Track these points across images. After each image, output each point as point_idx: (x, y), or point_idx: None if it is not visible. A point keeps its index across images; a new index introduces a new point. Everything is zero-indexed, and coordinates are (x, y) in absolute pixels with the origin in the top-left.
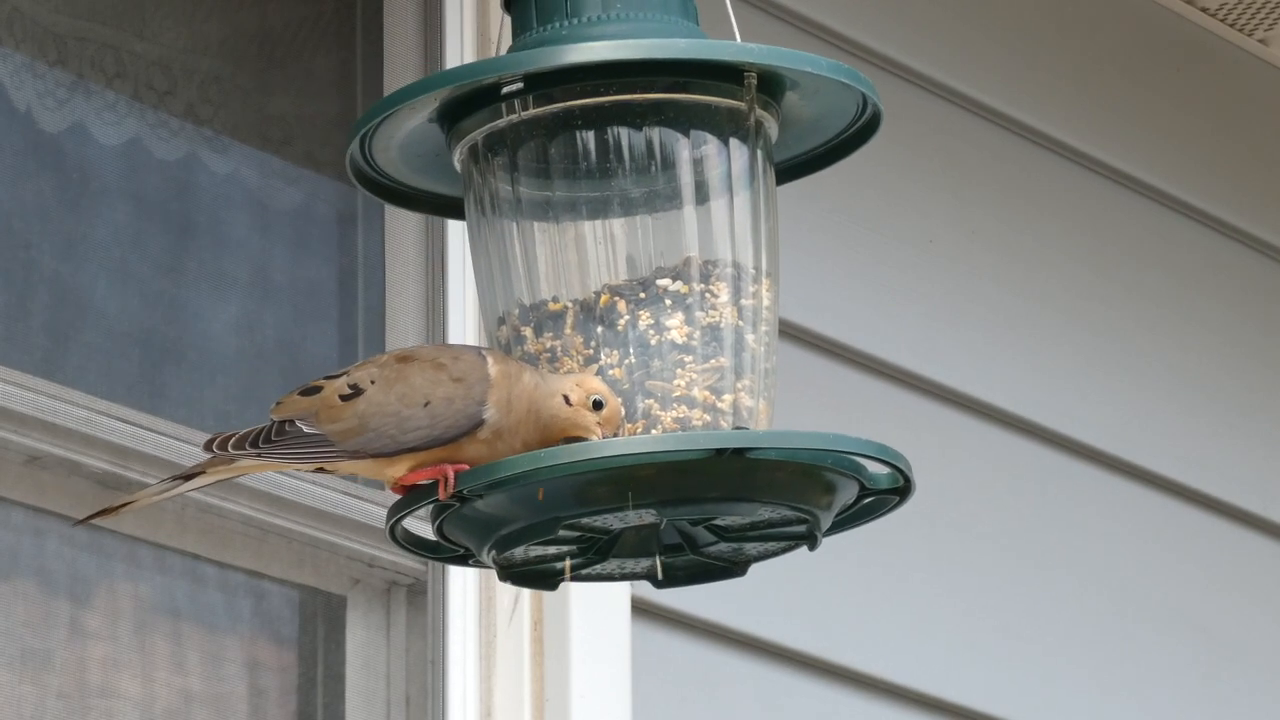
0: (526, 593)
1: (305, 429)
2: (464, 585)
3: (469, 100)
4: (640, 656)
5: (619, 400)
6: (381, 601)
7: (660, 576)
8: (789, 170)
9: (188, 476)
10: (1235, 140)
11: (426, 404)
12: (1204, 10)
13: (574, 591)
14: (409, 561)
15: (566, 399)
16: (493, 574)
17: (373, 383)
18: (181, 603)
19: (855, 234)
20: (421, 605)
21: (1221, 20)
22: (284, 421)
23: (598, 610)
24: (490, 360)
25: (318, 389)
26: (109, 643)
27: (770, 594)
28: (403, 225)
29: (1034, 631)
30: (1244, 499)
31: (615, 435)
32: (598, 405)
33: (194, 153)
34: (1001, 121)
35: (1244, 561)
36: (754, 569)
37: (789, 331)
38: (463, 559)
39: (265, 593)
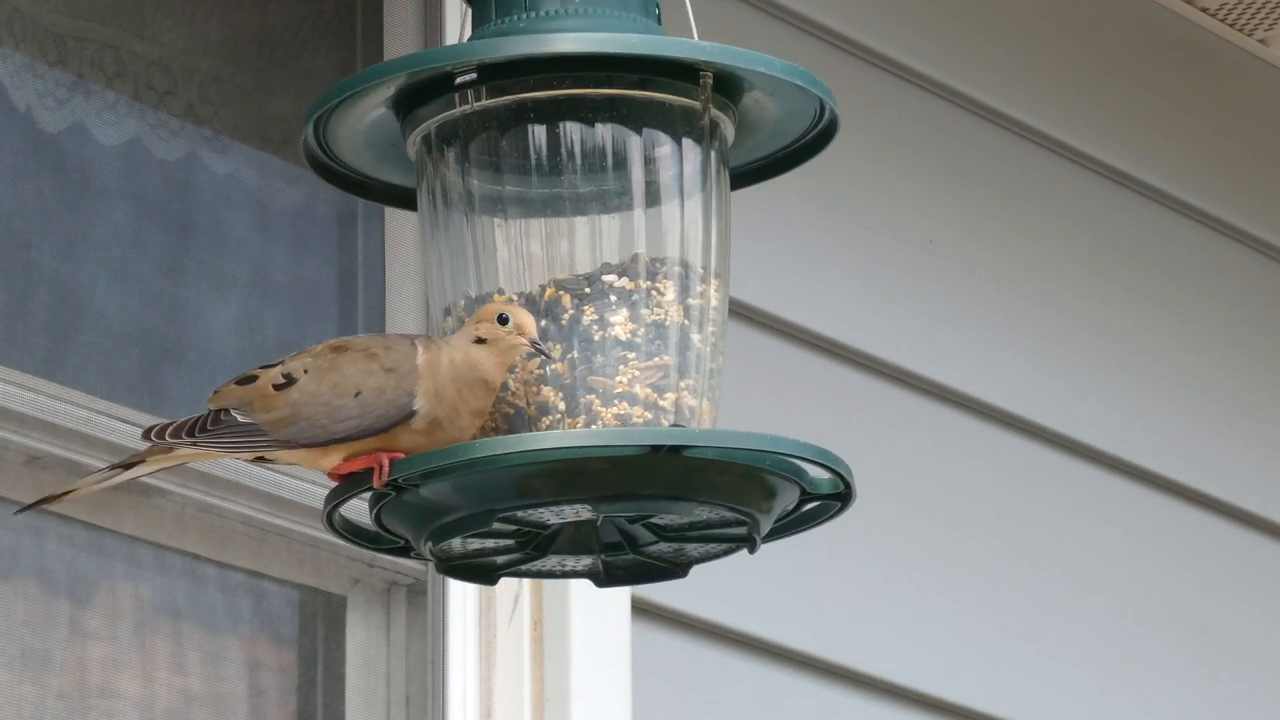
0: (526, 593)
1: (240, 418)
2: (464, 585)
3: (424, 89)
4: (640, 656)
5: (524, 309)
6: (381, 601)
7: (602, 575)
8: (749, 174)
9: (128, 465)
10: (1235, 140)
11: (357, 394)
12: (1204, 10)
13: (574, 591)
14: (409, 561)
15: (480, 340)
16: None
17: (306, 372)
18: (181, 603)
19: (855, 234)
20: (421, 605)
21: (1221, 20)
22: (220, 410)
23: (598, 610)
24: (420, 349)
25: (254, 378)
26: (109, 643)
27: (770, 594)
28: (403, 225)
29: (1034, 631)
30: (1244, 499)
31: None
32: (503, 320)
33: (194, 153)
34: (1001, 121)
35: (1244, 561)
36: (753, 568)
37: (789, 331)
38: (403, 550)
39: (265, 593)
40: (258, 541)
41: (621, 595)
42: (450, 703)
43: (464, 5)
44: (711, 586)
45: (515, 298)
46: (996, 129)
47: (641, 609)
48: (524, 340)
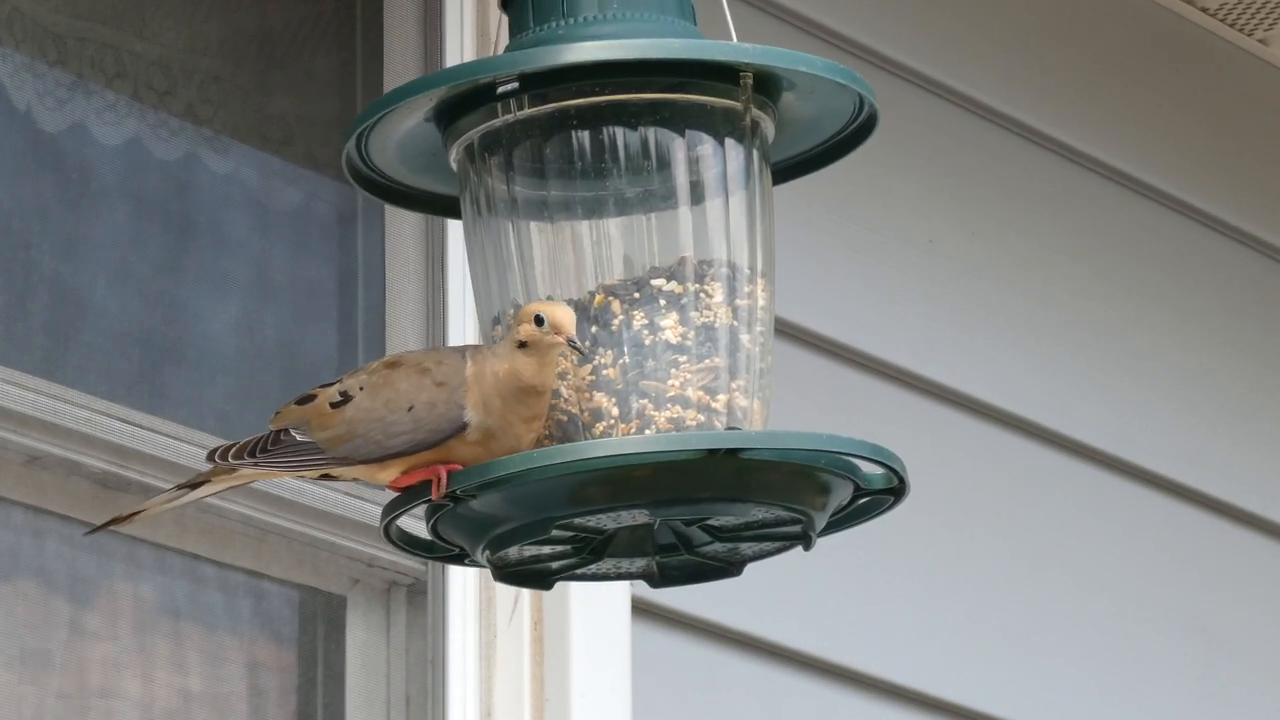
0: (526, 593)
1: (298, 437)
2: (464, 585)
3: (465, 100)
4: (640, 656)
5: (564, 306)
6: (381, 601)
7: (657, 576)
8: (786, 170)
9: (194, 485)
10: (1235, 140)
11: (410, 409)
12: (1204, 10)
13: (574, 591)
14: (409, 561)
15: (521, 346)
16: (491, 573)
17: (361, 389)
18: (181, 603)
19: (855, 234)
20: (421, 605)
21: (1221, 20)
22: (280, 430)
23: (598, 610)
24: (470, 361)
25: (312, 397)
26: (109, 643)
27: (770, 594)
28: (403, 225)
29: (1034, 631)
30: (1244, 499)
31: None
32: (539, 321)
33: (194, 153)
34: (1001, 121)
35: (1244, 561)
36: (752, 568)
37: (789, 331)
38: (458, 558)
39: (265, 593)
40: (258, 541)
41: (621, 595)
42: (450, 703)
43: (471, 8)
44: (711, 586)
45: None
46: (996, 129)
47: (641, 609)
48: (560, 339)
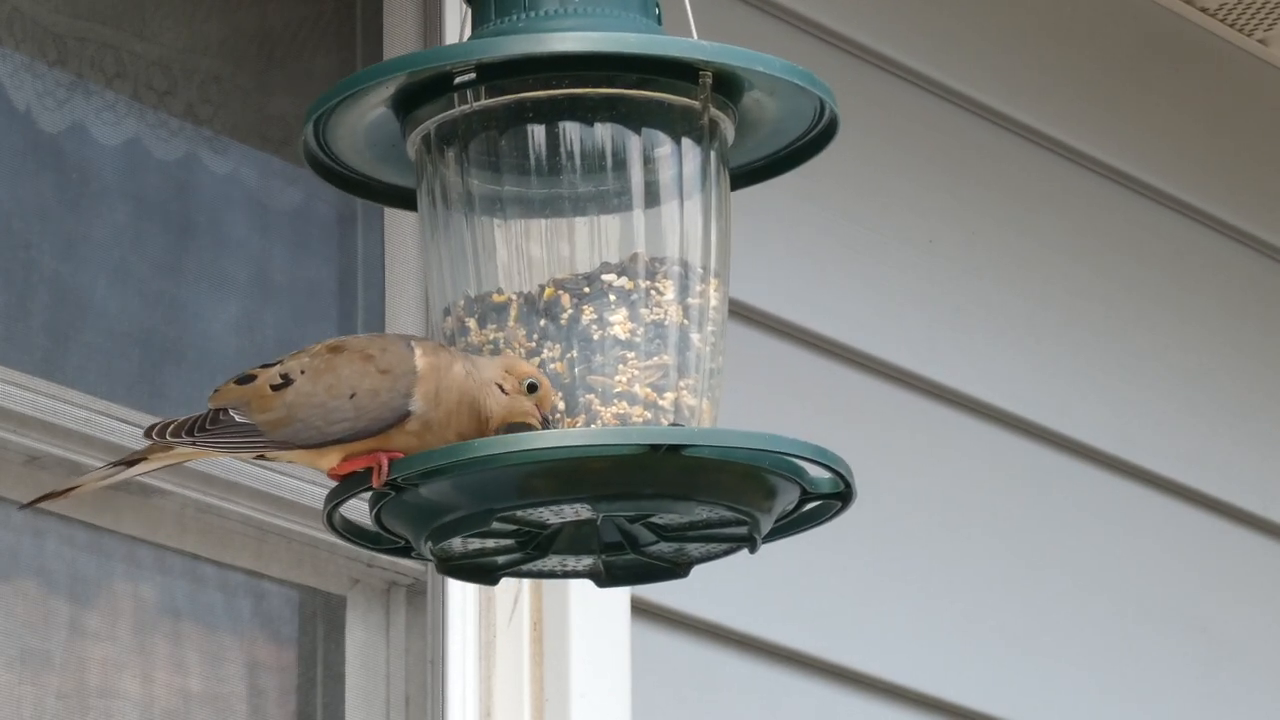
0: (526, 593)
1: (238, 418)
2: (464, 585)
3: (424, 89)
4: (640, 656)
5: (548, 381)
6: (381, 601)
7: (603, 575)
8: (750, 174)
9: (130, 462)
10: (1235, 140)
11: (352, 396)
12: (1204, 10)
13: (574, 592)
14: (409, 561)
15: (501, 388)
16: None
17: (302, 373)
18: (181, 603)
19: (855, 234)
20: (421, 605)
21: (1221, 20)
22: (219, 410)
23: (598, 610)
24: (419, 351)
25: (252, 377)
26: (109, 643)
27: (770, 594)
28: (403, 225)
29: (1033, 631)
30: (1244, 499)
31: (551, 417)
32: (532, 389)
33: (194, 153)
34: (1001, 121)
35: (1244, 561)
36: (753, 569)
37: (789, 331)
38: (404, 550)
39: (265, 593)
40: (258, 541)
41: (621, 595)
42: (450, 703)
43: (464, 5)
44: (711, 586)
45: (515, 297)
46: (996, 129)
47: (641, 609)
48: (535, 415)
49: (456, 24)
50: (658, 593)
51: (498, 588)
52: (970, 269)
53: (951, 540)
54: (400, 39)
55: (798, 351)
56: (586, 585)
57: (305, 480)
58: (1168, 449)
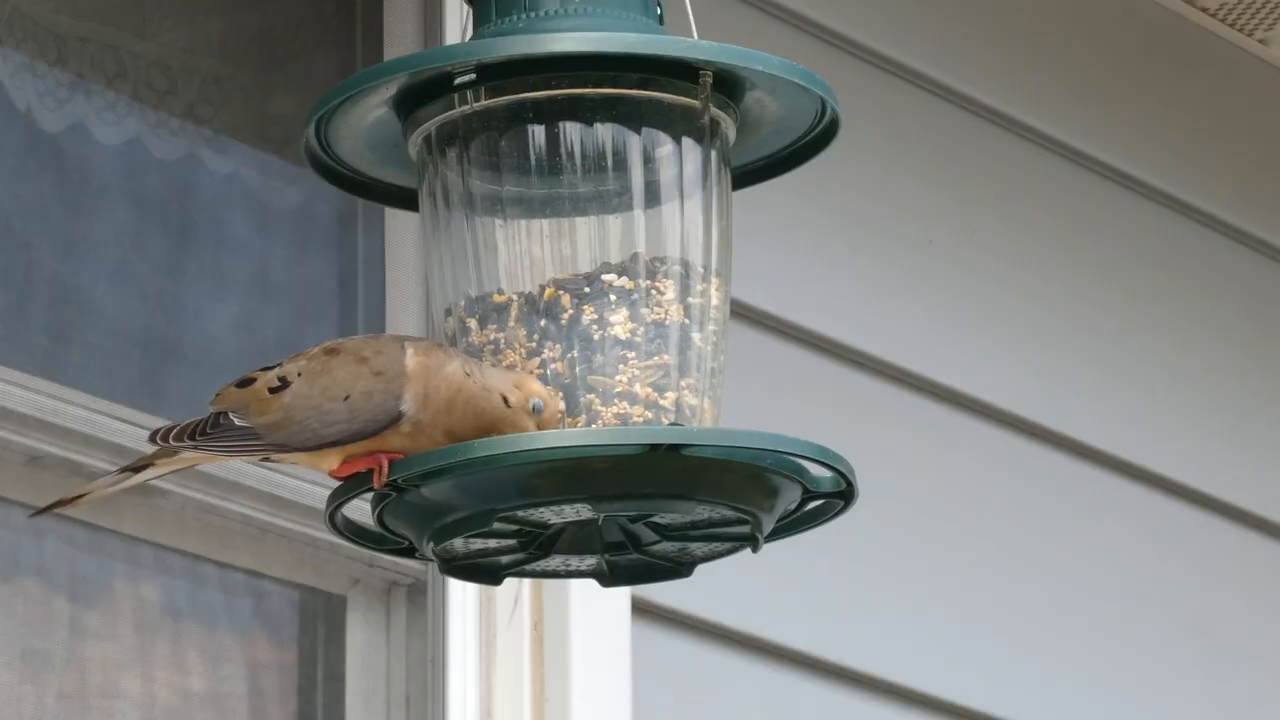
0: (526, 593)
1: (237, 421)
2: (464, 585)
3: (424, 89)
4: (640, 656)
5: (560, 403)
6: (381, 601)
7: (607, 575)
8: (752, 174)
9: (138, 469)
10: (1235, 140)
11: (346, 398)
12: (1204, 10)
13: (574, 591)
14: (409, 561)
15: (505, 400)
16: (438, 567)
17: (299, 375)
18: (181, 603)
19: (855, 234)
20: (421, 605)
21: (1221, 20)
22: (220, 413)
23: (598, 610)
24: (410, 352)
25: (252, 380)
26: (109, 643)
27: (770, 594)
28: (403, 225)
29: (1034, 631)
30: (1244, 499)
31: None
32: (536, 410)
33: (194, 153)
34: (1001, 121)
35: (1244, 561)
36: (752, 569)
37: (789, 331)
38: (407, 551)
39: (265, 593)
40: (258, 541)
41: (621, 595)
42: (450, 703)
43: (464, 5)
44: (711, 586)
45: (515, 297)
46: (996, 129)
47: (641, 609)
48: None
49: (457, 24)
50: (658, 592)
51: (498, 587)
52: (970, 269)
53: (951, 540)
54: (400, 39)
55: (798, 352)
56: (587, 585)
57: (305, 480)
58: (1168, 449)
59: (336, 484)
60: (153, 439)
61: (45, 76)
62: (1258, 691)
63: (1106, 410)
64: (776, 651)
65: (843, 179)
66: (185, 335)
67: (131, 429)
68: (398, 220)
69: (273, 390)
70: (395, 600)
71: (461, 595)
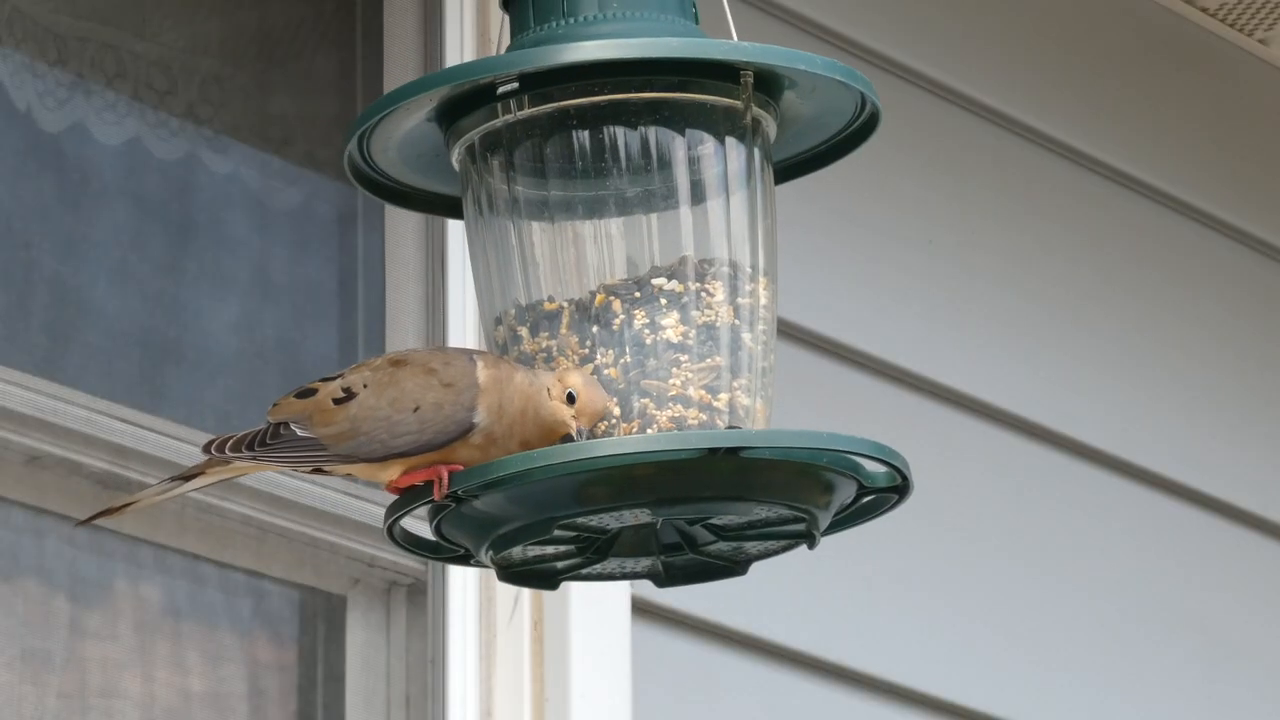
0: (526, 593)
1: (299, 432)
2: (464, 585)
3: (466, 100)
4: (640, 656)
5: (601, 392)
6: (381, 601)
7: (662, 576)
8: (789, 169)
9: (187, 477)
10: (1235, 140)
11: (416, 409)
12: (1204, 10)
13: (574, 591)
14: (409, 561)
15: (549, 392)
16: (492, 573)
17: (365, 386)
18: (181, 603)
19: (855, 234)
20: (421, 605)
21: (1221, 20)
22: (279, 424)
23: (598, 610)
24: (481, 365)
25: (313, 391)
26: (109, 642)
27: (770, 594)
28: (403, 225)
29: (1034, 631)
30: (1244, 499)
31: (594, 427)
32: (571, 399)
33: (194, 153)
34: (1001, 121)
35: (1244, 561)
36: (753, 569)
37: (789, 331)
38: (463, 559)
39: (265, 593)
40: (258, 541)
41: (621, 595)
42: (450, 703)
43: (472, 7)
44: (711, 586)
45: (566, 305)
46: (996, 129)
47: (641, 609)
48: (570, 425)
49: (457, 24)
50: (657, 593)
51: (498, 587)
52: (970, 269)
53: (951, 540)
54: (400, 39)
55: (798, 352)
56: (587, 585)
57: (305, 480)
58: (1168, 449)
59: (391, 495)
60: (206, 449)
61: (45, 76)
62: (1257, 691)
63: (1106, 410)
64: (776, 651)
65: (843, 179)
66: (185, 335)
67: (131, 429)
68: (398, 220)
69: (337, 401)
70: (395, 600)
71: (461, 595)
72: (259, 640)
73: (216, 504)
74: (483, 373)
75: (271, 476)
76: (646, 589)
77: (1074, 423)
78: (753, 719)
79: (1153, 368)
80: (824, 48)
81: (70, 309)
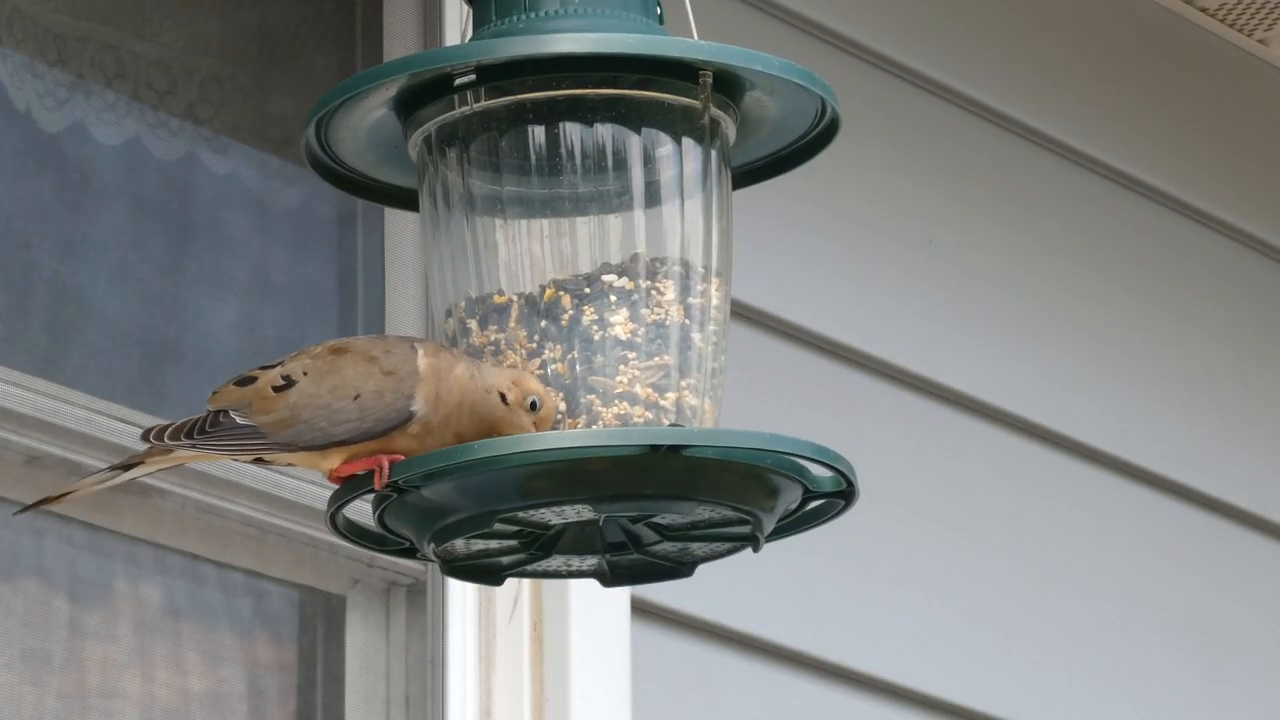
0: (526, 593)
1: (239, 420)
2: (463, 585)
3: (424, 90)
4: (640, 656)
5: (556, 399)
6: (381, 601)
7: (608, 575)
8: (752, 173)
9: (127, 466)
10: (1235, 140)
11: (356, 397)
12: (1204, 10)
13: (574, 591)
14: (409, 561)
15: (503, 397)
16: (440, 568)
17: (305, 374)
18: (181, 603)
19: (855, 234)
20: (421, 605)
21: (1221, 20)
22: (219, 411)
23: (598, 610)
24: (422, 353)
25: (253, 379)
26: (109, 643)
27: (770, 594)
28: (403, 225)
29: (1034, 631)
30: (1244, 499)
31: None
32: (534, 406)
33: (194, 153)
34: (1001, 121)
35: (1244, 561)
36: (753, 569)
37: (789, 331)
38: (409, 552)
39: (265, 593)
40: (258, 541)
41: (621, 595)
42: (450, 703)
43: (464, 6)
44: (711, 586)
45: (516, 298)
46: (996, 129)
47: (641, 609)
48: (531, 432)
49: (457, 24)
50: (657, 592)
51: (498, 588)
52: (970, 269)
53: (951, 540)
54: (400, 39)
55: (798, 352)
56: (587, 585)
57: (305, 480)
58: (1168, 449)
59: (338, 486)
60: (145, 437)
61: (45, 76)
62: (1257, 691)
63: (1106, 410)
64: (776, 651)
65: (843, 179)
66: (185, 335)
67: (131, 429)
68: (398, 220)
69: (277, 389)
70: (395, 600)
71: (461, 595)
72: (258, 640)
73: (216, 504)
74: (423, 361)
75: (271, 476)
76: (647, 589)
77: (1074, 423)
78: (752, 719)
79: (1153, 368)
80: (824, 48)
81: (70, 309)
